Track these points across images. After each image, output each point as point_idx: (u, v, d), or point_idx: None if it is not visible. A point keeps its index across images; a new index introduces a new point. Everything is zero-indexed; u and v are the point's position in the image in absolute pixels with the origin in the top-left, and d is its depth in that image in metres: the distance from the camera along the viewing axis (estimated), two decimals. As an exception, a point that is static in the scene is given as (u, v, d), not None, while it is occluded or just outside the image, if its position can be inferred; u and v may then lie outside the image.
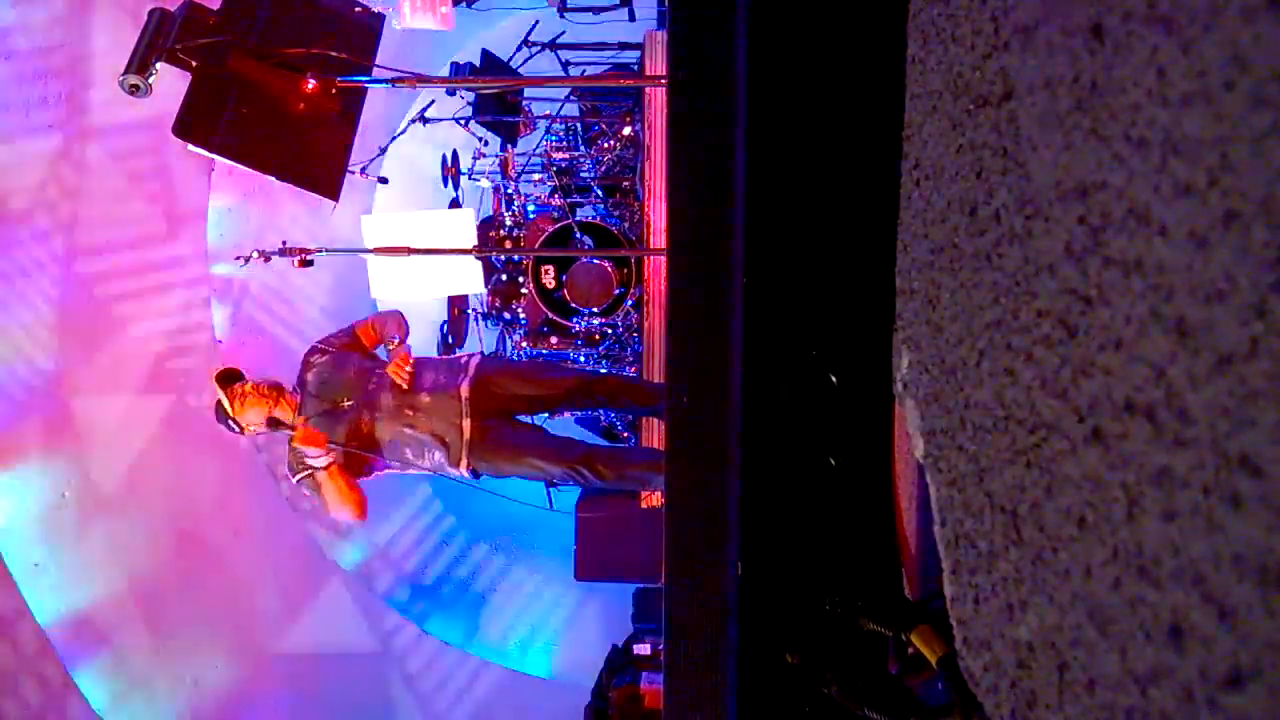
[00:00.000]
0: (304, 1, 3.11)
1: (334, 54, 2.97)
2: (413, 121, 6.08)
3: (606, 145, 6.59)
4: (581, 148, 6.96)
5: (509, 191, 6.62)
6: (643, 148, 5.68)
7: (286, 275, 6.08)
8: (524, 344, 6.43)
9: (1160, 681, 0.63)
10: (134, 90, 2.71)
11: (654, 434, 4.94)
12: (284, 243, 3.70)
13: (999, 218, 0.93)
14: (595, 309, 5.99)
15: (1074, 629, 0.75)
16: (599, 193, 6.54)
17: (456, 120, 6.22)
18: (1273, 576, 0.52)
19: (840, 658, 1.44)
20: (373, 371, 3.22)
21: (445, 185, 6.61)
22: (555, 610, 7.09)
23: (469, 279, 4.09)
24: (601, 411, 6.31)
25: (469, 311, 6.88)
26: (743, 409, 1.60)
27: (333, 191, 3.08)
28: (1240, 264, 0.54)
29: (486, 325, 6.90)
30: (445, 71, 6.54)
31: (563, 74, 6.91)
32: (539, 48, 6.58)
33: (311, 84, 2.95)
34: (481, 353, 3.51)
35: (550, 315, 6.24)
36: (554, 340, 6.34)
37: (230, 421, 3.20)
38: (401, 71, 3.21)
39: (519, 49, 6.59)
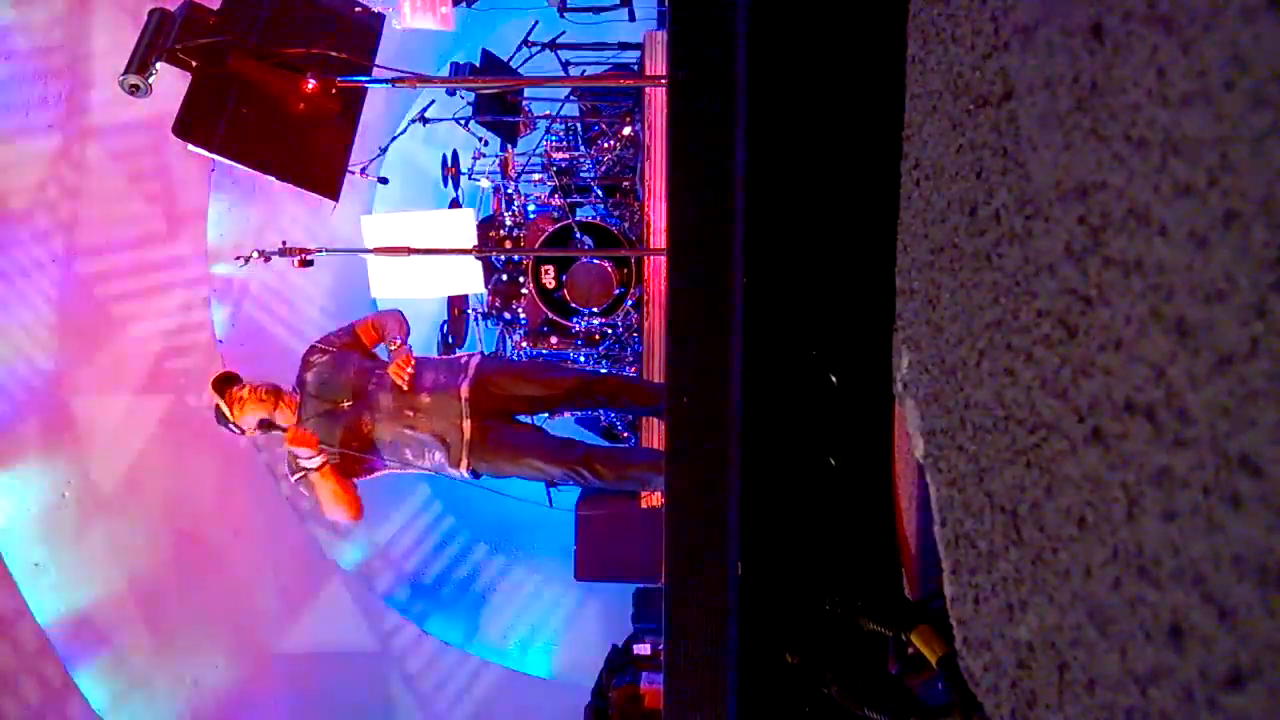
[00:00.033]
0: (304, 1, 3.11)
1: (334, 54, 2.97)
2: (413, 121, 6.08)
3: (606, 145, 6.59)
4: (581, 148, 6.96)
5: (509, 191, 6.63)
6: (643, 148, 5.68)
7: (286, 275, 6.08)
8: (524, 344, 6.43)
9: (1160, 681, 0.63)
10: (134, 90, 2.71)
11: (654, 434, 4.94)
12: (284, 243, 3.70)
13: (999, 218, 0.93)
14: (595, 309, 5.99)
15: (1074, 629, 0.75)
16: (599, 193, 6.54)
17: (456, 120, 6.23)
18: (1273, 576, 0.52)
19: (840, 658, 1.44)
20: (373, 372, 3.22)
21: (445, 185, 6.62)
22: (555, 610, 7.09)
23: (469, 279, 4.09)
24: (601, 411, 6.31)
25: (469, 311, 6.88)
26: (743, 409, 1.60)
27: (333, 191, 3.08)
28: (1240, 264, 0.54)
29: (486, 325, 6.90)
30: (445, 71, 6.54)
31: (563, 74, 6.91)
32: (539, 48, 6.58)
33: (311, 84, 2.94)
34: (481, 353, 3.50)
35: (550, 315, 6.24)
36: (554, 340, 6.34)
37: (230, 424, 3.21)
38: (401, 71, 3.21)
39: (519, 49, 6.59)
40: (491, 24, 7.07)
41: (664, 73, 3.43)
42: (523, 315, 6.43)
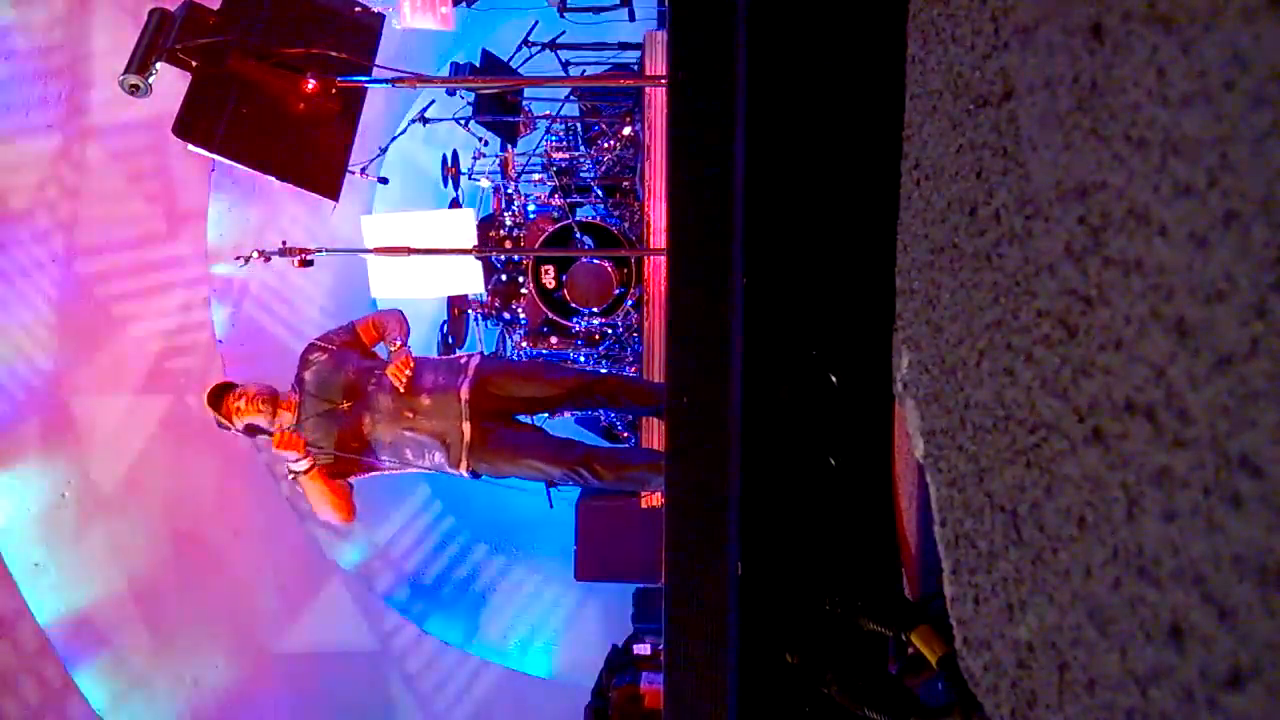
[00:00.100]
0: (304, 1, 3.11)
1: (334, 54, 2.97)
2: (413, 121, 6.08)
3: (606, 145, 6.59)
4: (581, 148, 6.96)
5: (509, 191, 6.62)
6: (643, 148, 5.68)
7: (286, 275, 6.08)
8: (524, 344, 6.43)
9: (1160, 681, 0.63)
10: (134, 90, 2.71)
11: (654, 434, 4.94)
12: (284, 243, 3.70)
13: (999, 218, 0.93)
14: (595, 309, 5.99)
15: (1074, 629, 0.75)
16: (599, 193, 6.54)
17: (456, 120, 6.22)
18: (1273, 576, 0.52)
19: (840, 658, 1.44)
20: (372, 372, 3.21)
21: (445, 185, 6.61)
22: (555, 610, 7.09)
23: (469, 279, 4.09)
24: (601, 411, 6.31)
25: (469, 311, 6.88)
26: (743, 409, 1.60)
27: (333, 191, 3.08)
28: (1240, 264, 0.54)
29: (486, 325, 6.90)
30: (445, 71, 6.54)
31: (563, 74, 6.91)
32: (539, 48, 6.58)
33: (311, 84, 2.94)
34: (481, 353, 3.50)
35: (550, 315, 6.24)
36: (554, 340, 6.34)
37: (231, 430, 3.22)
38: (401, 71, 3.21)
39: (519, 49, 6.59)
40: (491, 24, 7.07)
41: (664, 73, 3.43)
42: (523, 315, 6.43)
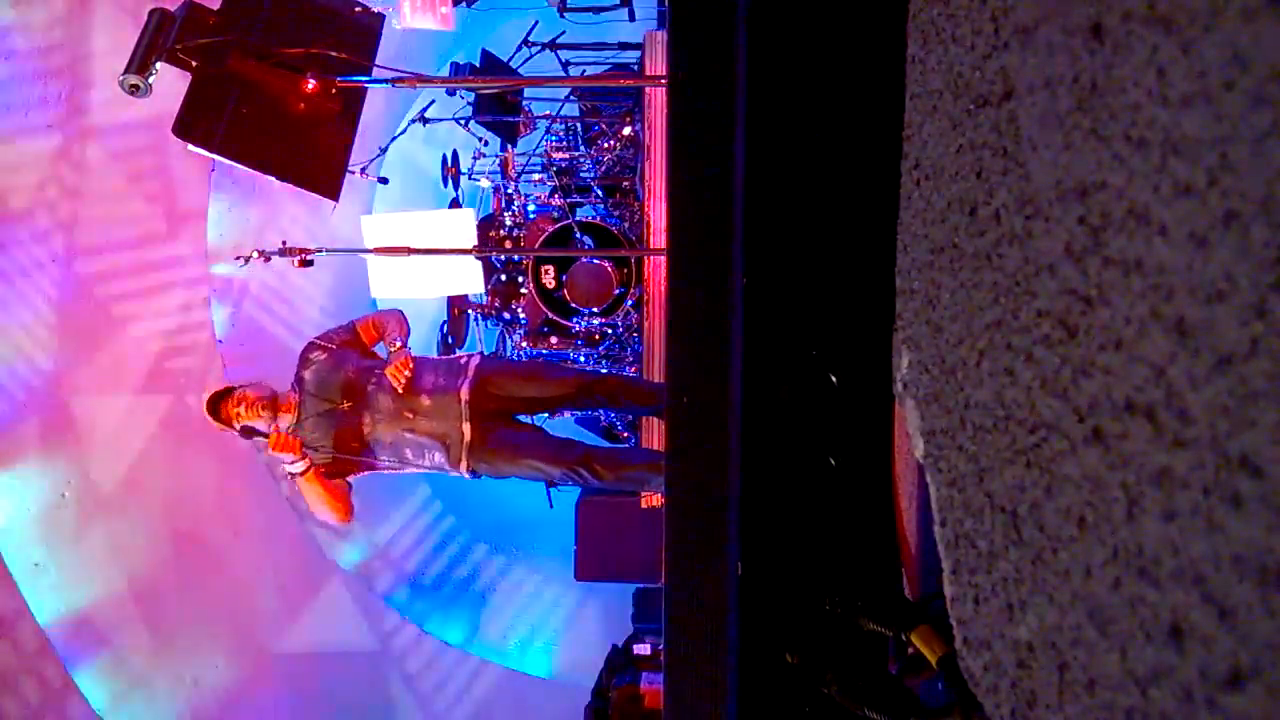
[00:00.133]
0: (304, 1, 3.11)
1: (334, 54, 2.97)
2: (413, 121, 6.08)
3: (606, 145, 6.59)
4: (581, 148, 6.96)
5: (509, 191, 6.62)
6: (643, 148, 5.68)
7: (286, 275, 6.08)
8: (524, 344, 6.43)
9: (1160, 681, 0.63)
10: (134, 90, 2.71)
11: (654, 434, 4.94)
12: (284, 243, 3.70)
13: (999, 218, 0.93)
14: (595, 309, 5.99)
15: (1074, 629, 0.75)
16: (599, 193, 6.54)
17: (456, 120, 6.22)
18: (1273, 576, 0.52)
19: (840, 658, 1.44)
20: (372, 372, 3.21)
21: (445, 185, 6.61)
22: (555, 610, 7.09)
23: (469, 279, 4.09)
24: (601, 411, 6.31)
25: (469, 311, 6.88)
26: (743, 409, 1.60)
27: (333, 191, 3.08)
28: (1240, 264, 0.54)
29: (486, 325, 6.90)
30: (445, 71, 6.54)
31: (563, 74, 6.91)
32: (539, 48, 6.58)
33: (311, 84, 2.94)
34: (481, 353, 3.49)
35: (550, 315, 6.24)
36: (554, 340, 6.34)
37: (231, 430, 3.22)
38: (401, 71, 3.21)
39: (519, 49, 6.59)
40: (491, 24, 7.07)
41: (664, 73, 3.43)
42: (523, 315, 6.43)
